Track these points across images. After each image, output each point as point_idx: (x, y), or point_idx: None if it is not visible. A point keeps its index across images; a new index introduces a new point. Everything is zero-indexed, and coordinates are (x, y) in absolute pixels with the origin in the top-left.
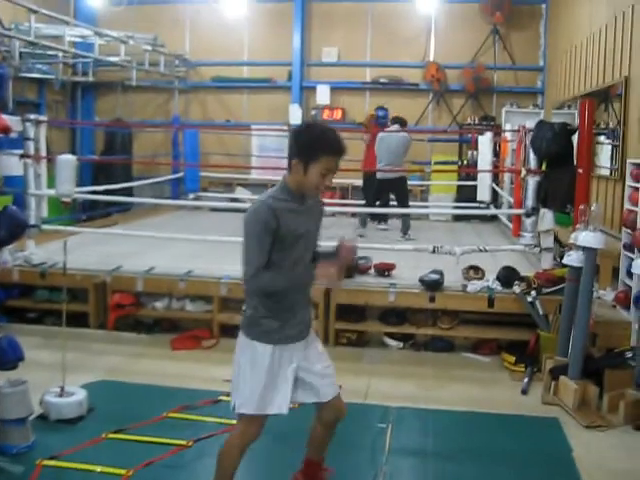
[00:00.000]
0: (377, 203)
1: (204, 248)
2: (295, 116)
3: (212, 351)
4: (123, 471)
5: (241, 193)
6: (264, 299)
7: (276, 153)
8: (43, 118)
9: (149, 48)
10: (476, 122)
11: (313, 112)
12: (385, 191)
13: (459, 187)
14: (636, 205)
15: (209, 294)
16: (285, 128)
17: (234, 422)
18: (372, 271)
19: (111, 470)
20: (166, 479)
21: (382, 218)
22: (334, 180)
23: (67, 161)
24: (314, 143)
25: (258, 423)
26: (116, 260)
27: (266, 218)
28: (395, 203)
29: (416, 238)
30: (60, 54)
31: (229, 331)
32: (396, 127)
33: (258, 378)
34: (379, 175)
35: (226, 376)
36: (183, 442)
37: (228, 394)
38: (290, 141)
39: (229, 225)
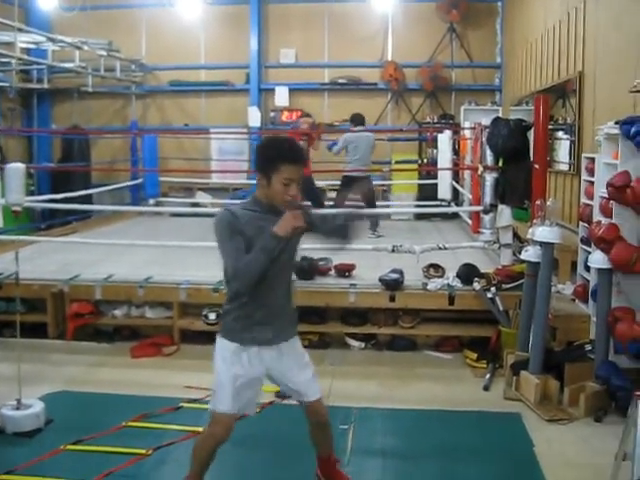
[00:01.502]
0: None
1: (164, 254)
2: (254, 118)
3: (173, 358)
4: None
5: (202, 197)
6: (242, 303)
7: (236, 156)
8: None
9: (104, 53)
10: (435, 121)
11: (272, 114)
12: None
13: (420, 186)
14: (591, 199)
15: (169, 300)
16: (244, 131)
17: (197, 429)
18: (332, 272)
19: None
20: None
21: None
22: None
23: (15, 169)
24: (272, 155)
25: (226, 424)
26: (75, 269)
27: (228, 219)
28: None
29: (384, 235)
30: (13, 61)
31: (190, 337)
32: (360, 128)
33: (230, 377)
34: (352, 173)
35: (187, 383)
36: (142, 451)
37: (189, 401)
38: (254, 158)
39: (190, 230)
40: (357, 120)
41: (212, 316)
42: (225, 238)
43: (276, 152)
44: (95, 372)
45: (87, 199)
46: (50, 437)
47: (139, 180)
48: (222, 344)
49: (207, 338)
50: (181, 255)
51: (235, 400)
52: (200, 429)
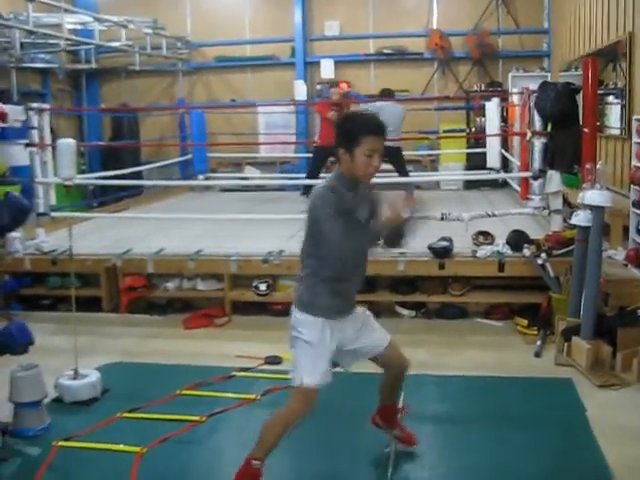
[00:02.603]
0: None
1: (214, 227)
2: (300, 92)
3: (224, 329)
4: (137, 449)
5: (250, 172)
6: (321, 277)
7: (283, 130)
8: (46, 106)
9: (150, 31)
10: (483, 89)
11: (318, 87)
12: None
13: (469, 155)
14: None
15: (219, 272)
16: (291, 104)
17: (249, 396)
18: (381, 241)
19: (126, 448)
20: (180, 455)
21: None
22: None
23: (67, 145)
24: (353, 128)
25: (312, 399)
26: (127, 244)
27: (332, 199)
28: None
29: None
30: (61, 42)
31: (241, 308)
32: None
33: (314, 349)
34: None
35: (239, 352)
36: (197, 418)
37: (241, 369)
38: (335, 133)
39: (239, 204)
40: (384, 93)
41: (262, 287)
42: (325, 218)
43: (356, 125)
44: (149, 343)
45: (137, 176)
46: (106, 405)
47: (188, 156)
48: (302, 317)
49: (258, 309)
50: (230, 228)
51: (319, 373)
52: (252, 396)
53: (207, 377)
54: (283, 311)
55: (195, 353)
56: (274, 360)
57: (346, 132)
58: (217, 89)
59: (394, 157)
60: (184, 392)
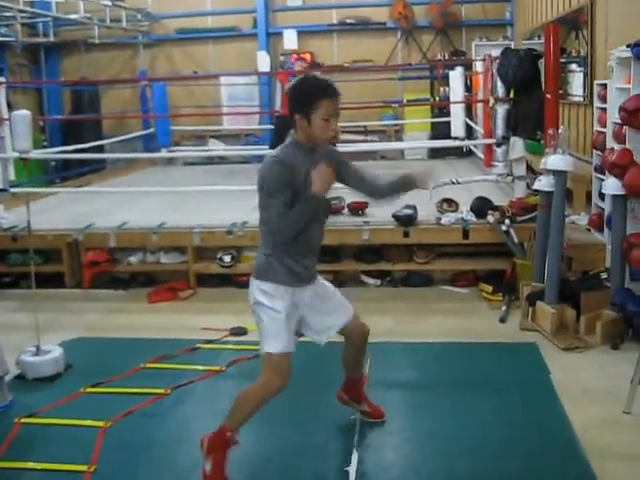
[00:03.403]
0: None
1: (177, 200)
2: (263, 63)
3: (189, 301)
4: (101, 423)
5: (214, 145)
6: (279, 244)
7: (246, 102)
8: (1, 80)
9: (109, 3)
10: (446, 58)
11: (281, 58)
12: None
13: (433, 124)
14: (604, 126)
15: (183, 245)
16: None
17: (214, 368)
18: (345, 211)
19: (89, 423)
20: (145, 427)
21: None
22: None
23: (22, 117)
24: (308, 92)
25: (281, 369)
26: (89, 218)
27: (279, 170)
28: None
29: None
30: (17, 15)
31: (205, 281)
32: None
33: (278, 315)
34: None
35: (204, 325)
36: (161, 390)
37: (206, 342)
38: (288, 99)
39: (203, 177)
40: (313, 66)
41: (227, 259)
42: (272, 191)
43: (311, 89)
44: (113, 318)
45: (99, 151)
46: (70, 381)
47: (151, 130)
48: (262, 286)
49: (223, 280)
50: (194, 201)
51: (284, 339)
52: (217, 367)
53: (172, 350)
54: (248, 282)
55: (159, 327)
56: (239, 331)
57: (301, 97)
58: (179, 61)
59: None
60: (148, 365)
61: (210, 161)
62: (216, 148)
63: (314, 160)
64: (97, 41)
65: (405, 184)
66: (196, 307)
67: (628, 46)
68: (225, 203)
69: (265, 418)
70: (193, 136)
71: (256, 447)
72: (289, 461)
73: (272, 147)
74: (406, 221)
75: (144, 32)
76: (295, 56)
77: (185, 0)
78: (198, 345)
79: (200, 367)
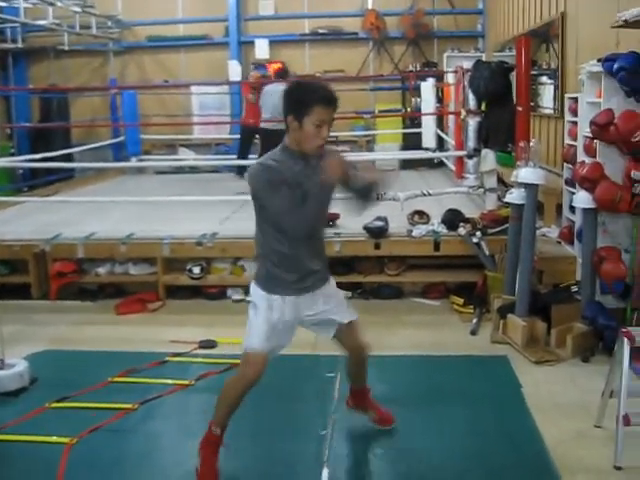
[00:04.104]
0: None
1: (146, 211)
2: (234, 72)
3: (158, 313)
4: (67, 439)
5: (184, 154)
6: (277, 252)
7: (217, 111)
8: None
9: (78, 10)
10: (418, 69)
11: (253, 67)
12: (264, 140)
13: (405, 135)
14: (575, 139)
15: (152, 256)
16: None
17: (183, 382)
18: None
19: (55, 439)
20: (111, 444)
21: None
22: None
23: None
24: (304, 96)
25: (255, 363)
26: (56, 228)
27: (266, 175)
28: None
29: None
30: None
31: (174, 292)
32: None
33: (264, 318)
34: (262, 125)
35: (173, 337)
36: (129, 405)
37: (174, 355)
38: (283, 101)
39: (173, 187)
40: (278, 74)
41: (196, 270)
42: (268, 194)
43: (307, 94)
44: (80, 330)
45: (68, 159)
46: (35, 396)
47: (120, 138)
48: (256, 290)
49: (192, 292)
50: (164, 211)
51: (268, 340)
52: (186, 381)
53: (140, 363)
54: (217, 294)
55: (128, 339)
56: (208, 344)
57: (296, 100)
58: (150, 69)
59: (271, 140)
60: (116, 379)
61: (180, 170)
62: (186, 157)
63: (304, 164)
64: (67, 48)
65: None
66: (165, 319)
67: (599, 60)
68: (195, 213)
69: (235, 430)
70: (163, 145)
71: (224, 463)
72: (258, 477)
73: (239, 157)
74: (377, 233)
75: (114, 39)
76: (268, 65)
77: (156, 7)
78: (167, 358)
79: (169, 381)
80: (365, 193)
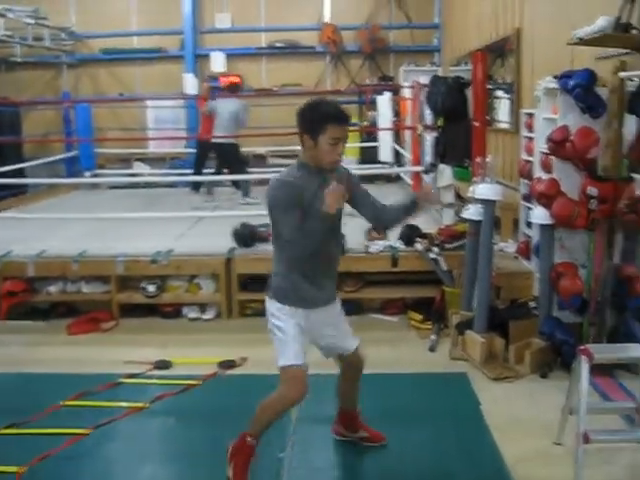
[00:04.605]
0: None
1: (100, 227)
2: (190, 86)
3: (112, 333)
4: (15, 468)
5: (139, 168)
6: (292, 266)
7: (173, 125)
8: None
9: (31, 21)
10: (375, 83)
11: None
12: (218, 155)
13: (362, 149)
14: (531, 155)
15: (106, 274)
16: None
17: (137, 404)
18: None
19: (3, 468)
20: (63, 472)
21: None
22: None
23: None
24: (318, 115)
25: (296, 379)
26: (7, 246)
27: (287, 190)
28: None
29: (259, 201)
30: None
31: (129, 311)
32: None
33: (292, 330)
34: (214, 140)
35: (127, 358)
36: (81, 431)
37: (128, 376)
38: (297, 120)
39: (128, 202)
40: (230, 88)
41: (151, 288)
42: (282, 210)
43: (322, 112)
44: (31, 351)
45: (20, 174)
46: None
47: (74, 152)
48: (274, 305)
49: (147, 311)
50: (118, 227)
51: (293, 353)
52: (141, 404)
53: (93, 386)
54: (173, 313)
55: (80, 360)
56: (163, 365)
57: (310, 119)
58: (104, 82)
59: (224, 154)
60: (67, 403)
61: (135, 185)
62: (141, 172)
63: (322, 180)
64: (19, 60)
65: (409, 208)
66: (119, 339)
67: (555, 77)
68: (150, 230)
69: (186, 455)
70: (118, 159)
71: None
72: None
73: (195, 172)
74: None
75: (68, 52)
76: (220, 78)
77: (111, 20)
78: (120, 380)
79: (123, 404)
80: (399, 217)
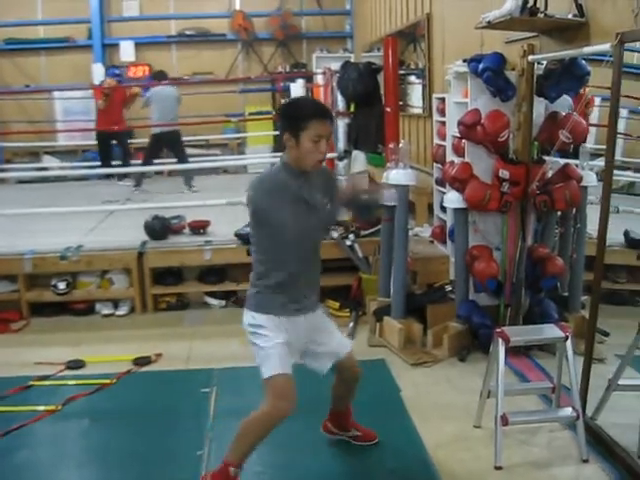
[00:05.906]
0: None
1: (6, 224)
2: (99, 76)
3: (22, 333)
4: None
5: (49, 161)
6: (273, 273)
7: (83, 116)
8: None
9: None
10: (287, 70)
11: (117, 71)
12: (162, 145)
13: (276, 137)
14: (444, 139)
15: (13, 272)
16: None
17: (49, 407)
18: (186, 230)
19: None
20: None
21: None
22: None
23: None
24: (299, 112)
25: (282, 391)
26: None
27: (266, 188)
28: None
29: (199, 190)
30: None
31: (39, 310)
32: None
33: (273, 342)
34: (155, 130)
35: (38, 358)
36: None
37: (39, 378)
38: (279, 119)
39: (37, 197)
40: (157, 76)
41: (62, 285)
42: (271, 207)
43: (303, 109)
44: None
45: None
46: None
47: None
48: (254, 316)
49: (58, 309)
50: (25, 224)
51: (277, 363)
52: (53, 407)
53: (2, 390)
54: (85, 310)
55: None
56: (76, 364)
57: (291, 117)
58: (8, 74)
59: (172, 142)
60: None
61: (46, 179)
62: (50, 165)
63: (304, 180)
64: None
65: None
66: (29, 339)
67: (464, 61)
68: (60, 225)
69: (100, 458)
70: (27, 153)
71: None
72: None
73: (103, 164)
74: (249, 239)
75: None
76: (131, 67)
77: (15, 9)
78: (31, 383)
79: (33, 407)
80: (367, 208)
